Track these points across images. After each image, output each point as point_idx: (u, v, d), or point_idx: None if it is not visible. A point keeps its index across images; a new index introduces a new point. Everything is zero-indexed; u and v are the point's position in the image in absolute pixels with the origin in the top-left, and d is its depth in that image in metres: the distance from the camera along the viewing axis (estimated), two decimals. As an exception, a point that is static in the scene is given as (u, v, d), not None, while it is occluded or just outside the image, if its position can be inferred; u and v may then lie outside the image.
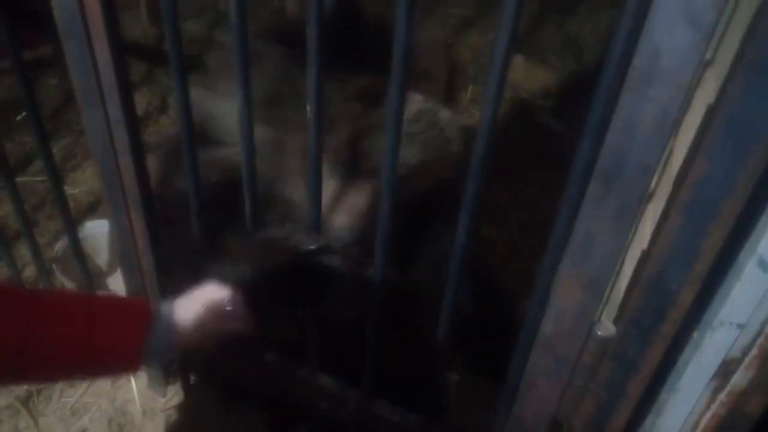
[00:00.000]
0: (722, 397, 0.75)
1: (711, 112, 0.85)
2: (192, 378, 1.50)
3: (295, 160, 1.12)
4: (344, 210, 1.08)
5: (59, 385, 1.53)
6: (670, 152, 0.98)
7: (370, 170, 1.11)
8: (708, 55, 0.93)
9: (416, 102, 1.24)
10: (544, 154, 2.25)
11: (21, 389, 1.52)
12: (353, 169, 1.13)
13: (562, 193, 0.78)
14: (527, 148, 2.32)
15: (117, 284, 1.56)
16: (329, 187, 1.08)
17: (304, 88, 0.83)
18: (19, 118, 2.27)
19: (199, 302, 0.91)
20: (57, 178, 1.30)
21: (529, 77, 2.63)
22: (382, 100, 1.10)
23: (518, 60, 2.60)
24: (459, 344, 1.07)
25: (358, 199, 1.10)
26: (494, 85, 0.72)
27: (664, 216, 0.81)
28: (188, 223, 1.10)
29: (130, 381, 1.53)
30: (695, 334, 0.77)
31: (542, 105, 2.59)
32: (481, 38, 2.86)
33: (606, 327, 0.82)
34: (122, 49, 0.92)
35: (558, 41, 2.86)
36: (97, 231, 1.69)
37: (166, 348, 0.89)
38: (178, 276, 1.17)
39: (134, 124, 1.02)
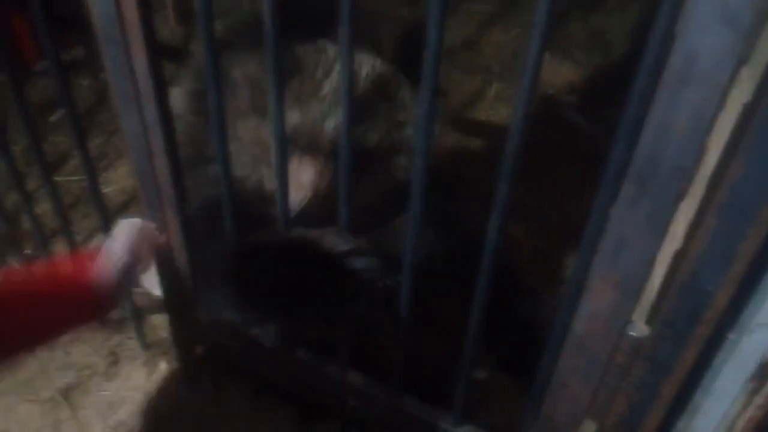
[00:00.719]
0: (759, 399, 0.75)
1: (748, 112, 0.84)
2: (223, 374, 1.53)
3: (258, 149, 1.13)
4: (295, 186, 1.08)
5: (97, 379, 1.58)
6: (704, 151, 0.96)
7: (323, 145, 1.11)
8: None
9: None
10: (570, 151, 2.23)
11: (62, 381, 1.57)
12: (309, 145, 1.13)
13: (588, 191, 0.78)
14: (552, 144, 2.30)
15: (151, 281, 1.60)
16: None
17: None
18: (53, 118, 2.33)
19: (125, 232, 1.14)
20: (94, 176, 1.34)
21: (555, 73, 2.61)
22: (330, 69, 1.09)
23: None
24: (488, 342, 1.08)
25: (309, 175, 1.10)
26: (526, 89, 0.72)
27: (699, 217, 0.80)
28: (221, 223, 1.12)
29: (164, 376, 1.57)
30: (731, 336, 0.76)
31: (568, 101, 2.56)
32: (505, 35, 2.84)
33: (639, 327, 0.82)
34: (158, 54, 0.94)
35: (584, 36, 2.82)
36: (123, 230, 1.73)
37: (118, 272, 1.07)
38: (212, 275, 1.20)
39: (169, 126, 1.05)
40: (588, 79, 2.62)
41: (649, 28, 0.62)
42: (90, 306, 1.08)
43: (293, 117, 1.09)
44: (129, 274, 1.13)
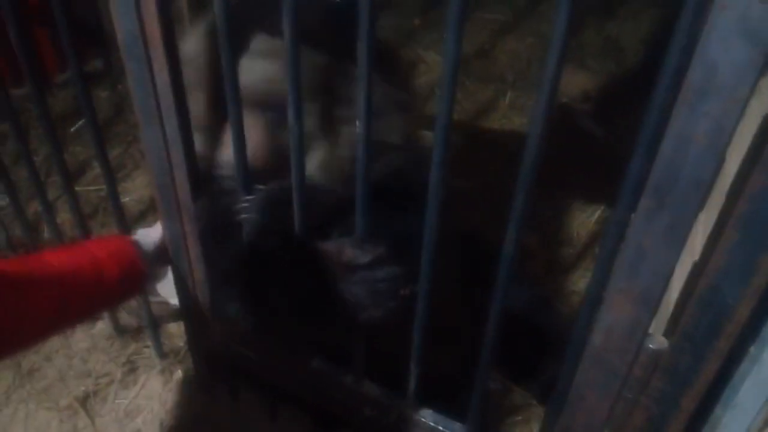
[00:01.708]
0: (782, 414, 0.74)
1: (767, 122, 0.84)
2: (239, 383, 1.54)
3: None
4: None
5: (114, 387, 1.60)
6: (722, 161, 0.96)
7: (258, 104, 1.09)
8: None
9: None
10: (584, 159, 2.22)
11: (79, 389, 1.59)
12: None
13: (602, 201, 0.78)
14: (566, 153, 2.30)
15: (167, 290, 1.61)
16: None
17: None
18: (73, 129, 2.37)
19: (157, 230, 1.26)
20: (114, 184, 1.37)
21: (569, 81, 2.60)
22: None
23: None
24: (503, 353, 1.07)
25: (254, 133, 1.09)
26: (544, 101, 0.72)
27: (718, 228, 0.80)
28: (238, 234, 1.13)
29: (180, 385, 1.58)
30: (752, 350, 0.76)
31: (582, 109, 2.56)
32: (519, 44, 2.84)
33: (658, 340, 0.82)
34: (180, 70, 0.96)
35: (598, 44, 2.82)
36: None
37: (155, 255, 1.23)
38: (229, 286, 1.21)
39: (189, 139, 1.06)
40: (602, 88, 2.62)
41: (663, 37, 0.62)
42: (138, 275, 1.19)
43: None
44: (164, 257, 1.25)
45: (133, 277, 1.19)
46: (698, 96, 0.62)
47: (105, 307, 1.35)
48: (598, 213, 2.06)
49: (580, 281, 1.86)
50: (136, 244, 1.22)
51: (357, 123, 0.87)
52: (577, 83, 2.59)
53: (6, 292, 0.94)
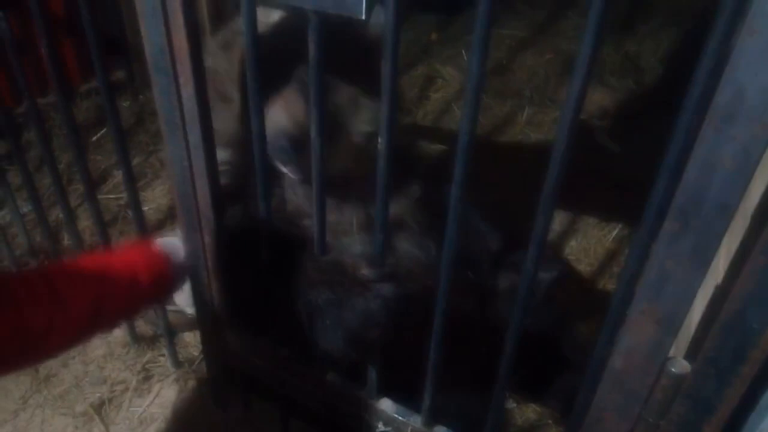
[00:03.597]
0: (807, 443, 0.72)
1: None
2: (253, 395, 1.54)
3: None
4: (286, 115, 1.11)
5: (129, 395, 1.61)
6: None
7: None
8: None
9: None
10: (601, 176, 2.21)
11: (94, 396, 1.60)
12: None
13: (620, 218, 0.78)
14: (584, 169, 2.29)
15: (183, 300, 1.62)
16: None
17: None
18: (94, 138, 2.41)
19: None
20: (135, 191, 1.39)
21: (587, 98, 2.59)
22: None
23: (575, 81, 2.58)
24: (518, 369, 1.06)
25: (294, 104, 1.13)
26: (567, 124, 0.72)
27: (743, 252, 0.79)
28: (255, 247, 1.14)
29: (194, 394, 1.59)
30: (777, 376, 0.74)
31: (599, 126, 2.55)
32: (536, 59, 2.85)
33: (680, 364, 0.80)
34: (205, 84, 0.98)
35: (617, 61, 2.81)
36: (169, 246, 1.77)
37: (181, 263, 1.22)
38: (246, 298, 1.22)
39: (211, 150, 1.08)
40: (620, 104, 2.61)
41: (681, 57, 0.62)
42: (168, 280, 1.20)
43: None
44: (186, 267, 1.25)
45: (164, 282, 1.20)
46: (725, 120, 0.62)
47: (137, 311, 1.35)
48: (615, 231, 2.05)
49: (596, 299, 1.85)
50: (166, 252, 1.23)
51: (379, 141, 0.88)
52: (595, 100, 2.59)
53: (41, 292, 0.95)
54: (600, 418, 0.92)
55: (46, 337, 0.95)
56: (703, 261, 0.71)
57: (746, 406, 0.78)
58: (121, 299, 1.09)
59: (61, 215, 1.65)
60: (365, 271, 1.01)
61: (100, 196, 2.16)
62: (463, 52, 2.89)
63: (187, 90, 0.97)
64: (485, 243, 1.49)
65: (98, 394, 1.62)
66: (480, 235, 1.49)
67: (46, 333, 0.95)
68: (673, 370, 0.81)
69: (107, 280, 1.05)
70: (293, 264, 1.12)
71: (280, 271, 1.13)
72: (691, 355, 0.83)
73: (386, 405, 1.25)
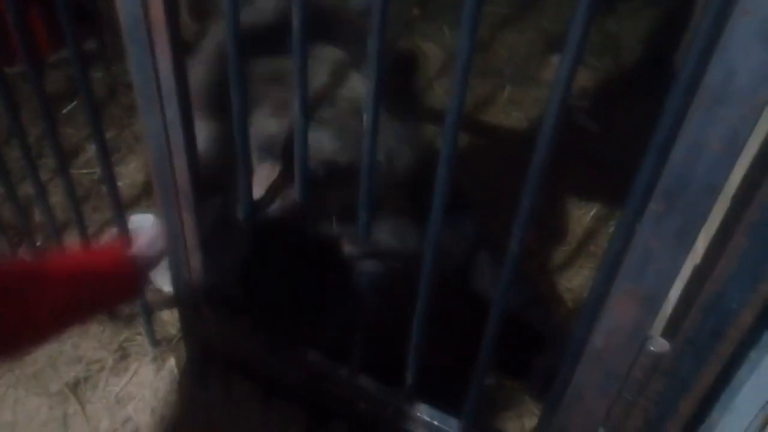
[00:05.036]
0: (780, 419, 0.75)
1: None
2: (233, 372, 1.53)
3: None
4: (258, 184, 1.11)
5: (105, 374, 1.58)
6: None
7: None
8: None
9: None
10: (580, 156, 2.22)
11: (69, 375, 1.57)
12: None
13: (598, 198, 0.78)
14: (563, 150, 2.30)
15: (160, 278, 1.60)
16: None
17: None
18: (64, 111, 2.33)
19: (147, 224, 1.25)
20: (110, 165, 1.34)
21: (567, 78, 2.60)
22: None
23: (555, 60, 2.57)
24: (498, 349, 1.08)
25: (269, 174, 1.13)
26: (555, 107, 0.72)
27: (725, 234, 0.80)
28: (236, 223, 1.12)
29: (172, 374, 1.57)
30: (753, 355, 0.76)
31: (579, 106, 2.56)
32: (518, 37, 2.83)
33: (659, 343, 0.82)
34: (184, 55, 0.94)
35: (597, 40, 2.81)
36: (143, 224, 1.73)
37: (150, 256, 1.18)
38: (225, 274, 1.20)
39: (190, 126, 1.05)
40: (600, 84, 2.61)
41: (661, 36, 0.61)
42: (131, 279, 1.14)
43: (270, 125, 1.10)
44: (158, 255, 1.22)
45: (129, 287, 1.17)
46: (715, 101, 0.61)
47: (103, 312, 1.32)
48: (594, 211, 2.07)
49: (574, 278, 1.87)
50: (134, 256, 1.19)
51: (365, 117, 0.86)
52: (575, 80, 2.58)
53: (19, 283, 0.92)
54: (580, 396, 0.93)
55: (24, 329, 0.93)
56: (686, 242, 0.72)
57: (721, 383, 0.80)
58: (87, 303, 1.06)
59: (31, 190, 1.58)
60: (349, 245, 1.00)
61: (72, 171, 2.09)
62: (445, 28, 2.85)
63: (164, 61, 0.94)
64: (466, 220, 1.49)
65: (73, 374, 1.58)
66: (461, 213, 1.49)
67: (24, 326, 0.92)
68: (652, 348, 0.82)
69: (73, 288, 1.02)
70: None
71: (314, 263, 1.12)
72: (668, 333, 0.85)
73: (367, 383, 1.25)
